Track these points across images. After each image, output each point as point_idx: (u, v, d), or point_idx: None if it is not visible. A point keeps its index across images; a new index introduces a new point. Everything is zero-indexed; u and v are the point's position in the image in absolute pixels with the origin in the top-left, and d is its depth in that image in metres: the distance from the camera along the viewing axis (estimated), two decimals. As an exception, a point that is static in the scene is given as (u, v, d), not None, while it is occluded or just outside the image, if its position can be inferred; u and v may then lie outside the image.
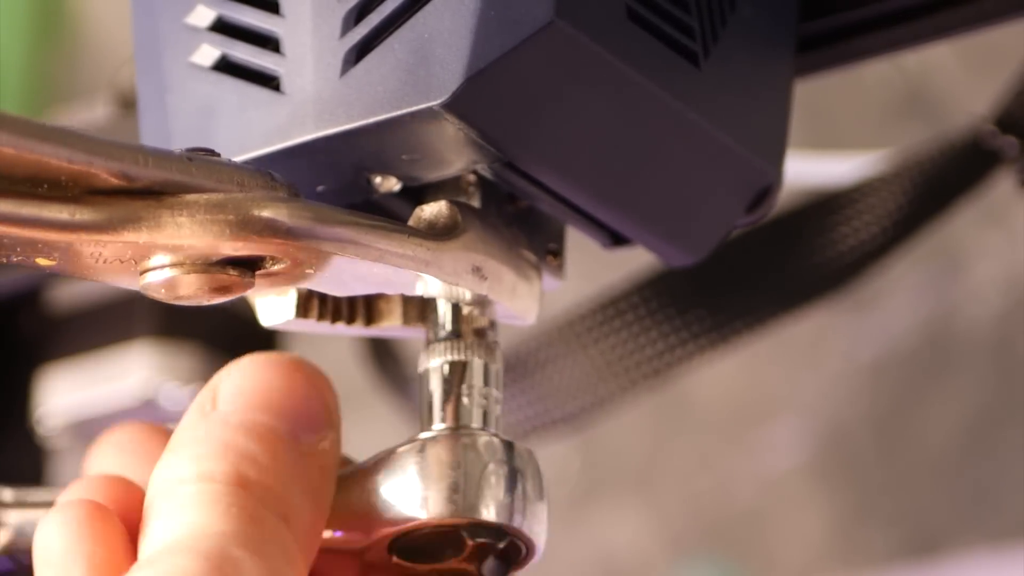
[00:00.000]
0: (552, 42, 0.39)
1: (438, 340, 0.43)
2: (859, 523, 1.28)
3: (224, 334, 0.73)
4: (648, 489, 1.32)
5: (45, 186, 0.35)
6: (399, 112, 0.40)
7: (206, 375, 0.72)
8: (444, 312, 0.43)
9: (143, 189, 0.37)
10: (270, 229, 0.37)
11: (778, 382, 1.31)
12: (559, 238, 0.46)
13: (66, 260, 0.37)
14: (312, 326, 0.44)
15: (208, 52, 0.43)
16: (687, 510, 1.30)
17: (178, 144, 0.41)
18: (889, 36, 0.49)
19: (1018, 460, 1.23)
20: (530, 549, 0.42)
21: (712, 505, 1.30)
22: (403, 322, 0.44)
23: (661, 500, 1.31)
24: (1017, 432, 1.24)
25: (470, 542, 0.41)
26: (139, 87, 0.44)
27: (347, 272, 0.39)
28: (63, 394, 0.73)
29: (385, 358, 0.68)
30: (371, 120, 0.40)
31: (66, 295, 0.74)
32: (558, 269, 0.46)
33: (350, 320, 0.44)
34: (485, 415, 0.42)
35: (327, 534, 0.41)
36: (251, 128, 0.42)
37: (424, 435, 0.42)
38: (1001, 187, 0.58)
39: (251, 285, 0.38)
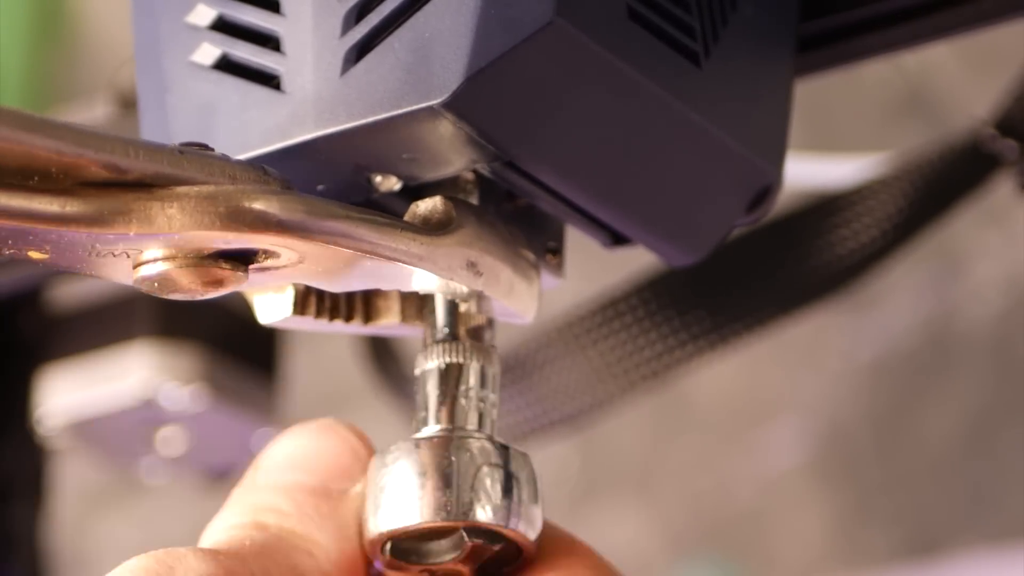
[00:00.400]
0: (552, 42, 0.39)
1: (435, 342, 0.43)
2: (859, 523, 1.28)
3: (224, 334, 0.73)
4: (648, 489, 1.32)
5: (35, 178, 0.35)
6: (399, 111, 0.40)
7: (206, 375, 0.72)
8: (442, 309, 0.43)
9: (134, 182, 0.37)
10: (261, 222, 0.37)
11: (778, 382, 1.31)
12: (559, 236, 0.46)
13: (58, 253, 0.37)
14: (310, 323, 0.44)
15: (208, 51, 0.43)
16: (687, 510, 1.31)
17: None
18: (889, 36, 0.49)
19: (1018, 460, 1.23)
20: (525, 551, 0.42)
21: (712, 505, 1.30)
22: (401, 320, 0.44)
23: (661, 500, 1.31)
24: (1017, 432, 1.24)
25: (465, 544, 0.41)
26: (139, 87, 0.44)
27: (341, 267, 0.39)
28: (63, 394, 0.73)
29: (384, 357, 0.68)
30: (371, 119, 0.40)
31: (66, 295, 0.74)
32: (557, 268, 0.46)
33: (348, 318, 0.44)
34: (481, 418, 0.42)
35: None
36: (251, 127, 0.42)
37: (419, 436, 0.42)
38: (1001, 188, 0.58)
39: (244, 279, 0.38)
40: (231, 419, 0.74)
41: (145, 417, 0.73)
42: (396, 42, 0.40)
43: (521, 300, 0.43)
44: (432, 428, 0.42)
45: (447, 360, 0.42)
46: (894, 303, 1.27)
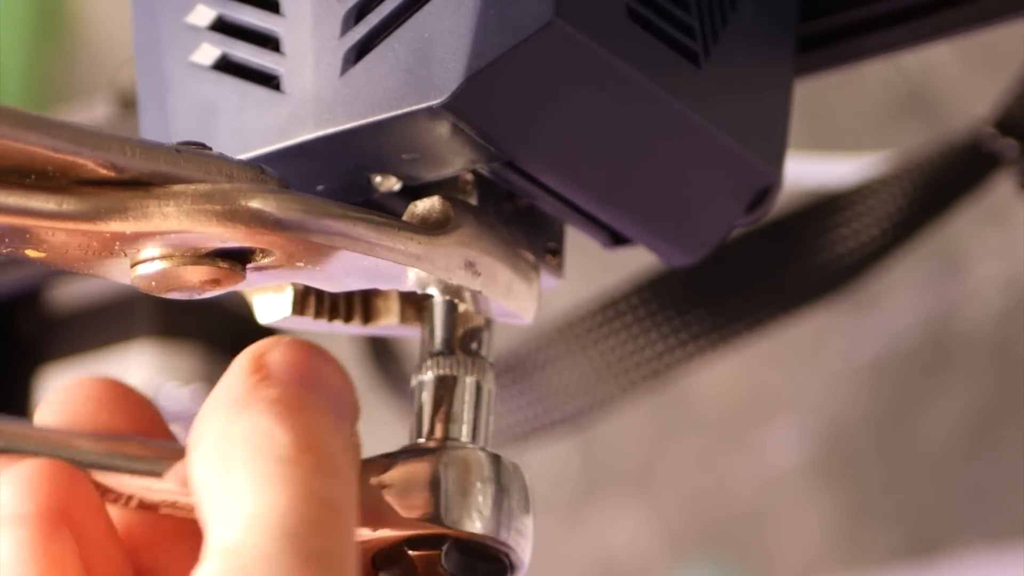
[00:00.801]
0: (552, 42, 0.39)
1: (431, 355, 0.43)
2: (859, 523, 1.28)
3: (224, 334, 0.73)
4: (648, 489, 1.32)
5: (32, 176, 0.35)
6: (399, 112, 0.40)
7: (206, 375, 0.72)
8: (439, 313, 0.43)
9: (131, 180, 0.37)
10: (257, 220, 0.37)
11: (778, 382, 1.31)
12: (558, 237, 0.46)
13: (55, 252, 0.37)
14: (309, 324, 0.44)
15: (208, 51, 0.43)
16: (687, 510, 1.31)
17: (178, 143, 0.41)
18: (889, 36, 0.49)
19: (1018, 460, 1.23)
20: (514, 563, 0.42)
21: (712, 505, 1.30)
22: (400, 320, 0.44)
23: (661, 500, 1.31)
24: (1017, 432, 1.24)
25: (454, 555, 0.41)
26: (139, 87, 0.44)
27: (339, 267, 0.39)
28: (63, 394, 0.73)
29: (384, 357, 0.68)
30: (371, 119, 0.40)
31: (66, 295, 0.74)
32: (557, 268, 0.46)
33: (347, 318, 0.44)
34: (474, 429, 0.42)
35: None
36: (251, 127, 0.42)
37: (412, 446, 0.42)
38: (1001, 187, 0.58)
39: (241, 278, 0.38)
40: (231, 419, 0.74)
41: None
42: (396, 42, 0.40)
43: (520, 300, 0.43)
44: (426, 439, 0.42)
45: (442, 372, 0.42)
46: (894, 303, 1.27)
